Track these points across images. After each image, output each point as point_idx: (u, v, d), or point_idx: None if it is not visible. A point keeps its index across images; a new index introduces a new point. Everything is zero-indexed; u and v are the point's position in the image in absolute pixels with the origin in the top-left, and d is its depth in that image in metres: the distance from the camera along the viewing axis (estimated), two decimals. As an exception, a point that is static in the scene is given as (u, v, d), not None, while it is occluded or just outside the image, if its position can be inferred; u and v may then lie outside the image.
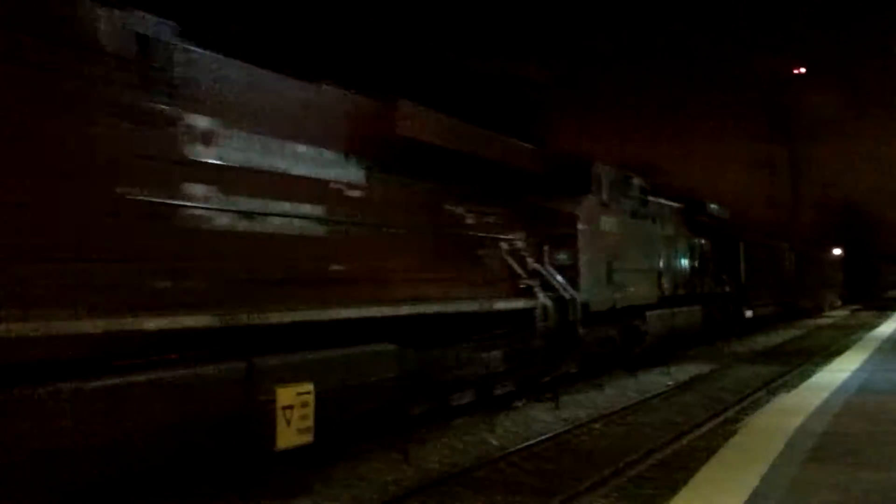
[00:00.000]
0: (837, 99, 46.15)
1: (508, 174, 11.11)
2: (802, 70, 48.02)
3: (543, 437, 8.95)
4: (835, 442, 7.11)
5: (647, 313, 14.34)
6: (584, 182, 12.62)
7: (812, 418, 8.27)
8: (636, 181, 14.78)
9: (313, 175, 7.33)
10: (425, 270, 8.65)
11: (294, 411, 6.36)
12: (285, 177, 6.98)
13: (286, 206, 6.91)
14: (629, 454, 8.13)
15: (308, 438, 6.47)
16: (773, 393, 11.89)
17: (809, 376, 12.46)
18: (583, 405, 11.27)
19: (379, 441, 8.02)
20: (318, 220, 7.26)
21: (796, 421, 8.05)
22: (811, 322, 30.78)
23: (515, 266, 10.71)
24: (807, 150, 50.22)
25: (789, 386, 12.15)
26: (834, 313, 37.68)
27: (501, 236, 10.59)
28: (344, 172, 7.67)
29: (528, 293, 10.69)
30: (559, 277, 11.31)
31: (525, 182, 12.05)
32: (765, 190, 47.89)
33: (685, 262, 17.51)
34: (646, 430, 9.64)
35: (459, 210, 9.62)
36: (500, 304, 9.73)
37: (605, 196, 12.88)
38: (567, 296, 11.23)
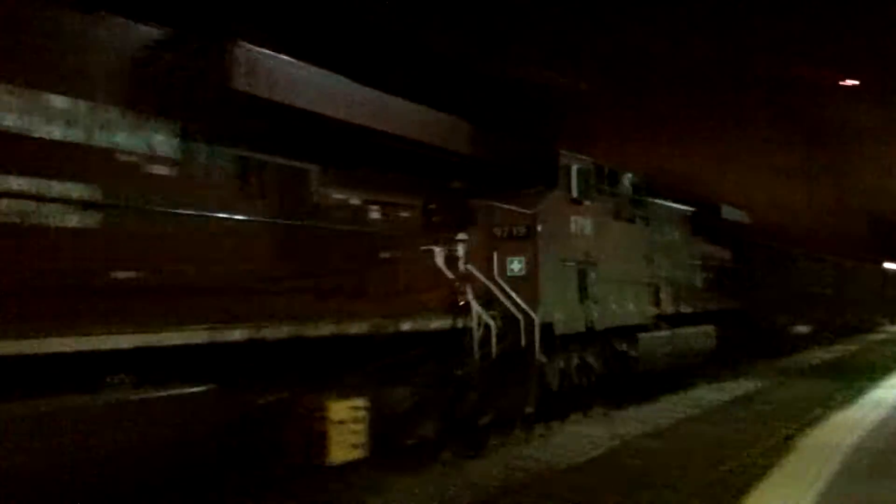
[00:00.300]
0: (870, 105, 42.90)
1: (442, 160, 8.82)
2: (856, 82, 44.89)
3: (596, 454, 8.83)
4: (893, 460, 7.17)
5: (640, 335, 11.78)
6: (549, 174, 10.17)
7: (869, 436, 8.38)
8: (625, 177, 12.27)
9: (82, 141, 5.11)
10: (289, 279, 6.35)
11: (346, 426, 6.30)
12: (22, 140, 4.77)
13: (18, 183, 4.69)
14: (683, 471, 7.82)
15: (362, 453, 6.47)
16: (829, 409, 11.34)
17: (865, 393, 12.42)
18: (635, 420, 11.01)
19: (433, 455, 7.93)
20: (85, 204, 5.02)
21: (852, 438, 8.16)
22: (865, 337, 29.28)
23: (450, 276, 8.37)
24: (844, 158, 47.07)
25: (845, 402, 11.80)
26: (890, 328, 35.61)
27: (429, 238, 8.27)
28: (139, 139, 5.42)
29: (465, 310, 8.32)
30: (511, 292, 8.92)
31: (471, 172, 9.72)
32: (803, 199, 44.81)
33: (694, 274, 14.84)
34: (699, 447, 9.27)
35: (354, 201, 7.32)
36: (409, 325, 7.32)
37: (575, 191, 10.35)
38: (519, 314, 8.82)
